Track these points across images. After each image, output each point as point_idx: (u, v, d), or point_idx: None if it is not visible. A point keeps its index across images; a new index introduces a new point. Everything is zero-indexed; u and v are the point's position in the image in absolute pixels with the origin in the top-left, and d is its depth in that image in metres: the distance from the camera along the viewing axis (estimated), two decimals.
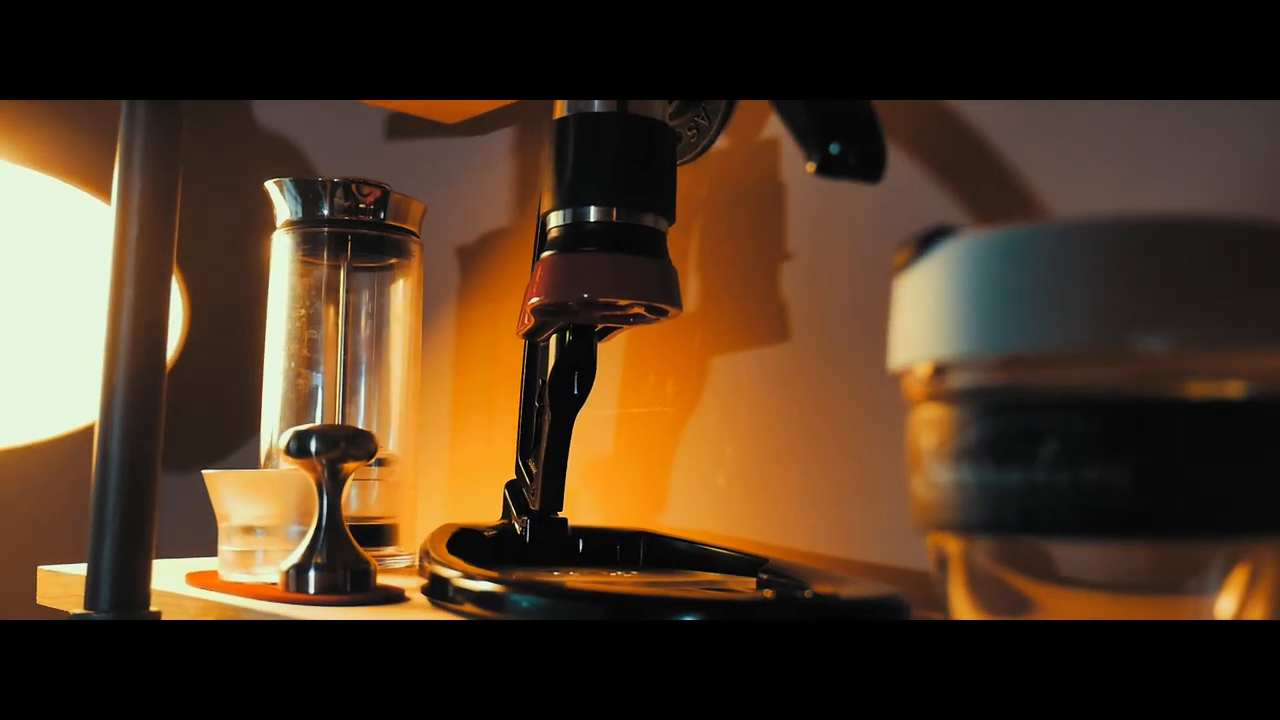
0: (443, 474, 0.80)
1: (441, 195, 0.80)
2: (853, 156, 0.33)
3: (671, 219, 0.52)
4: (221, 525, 0.53)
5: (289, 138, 0.98)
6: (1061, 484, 0.23)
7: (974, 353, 0.24)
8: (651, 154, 0.51)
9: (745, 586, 0.49)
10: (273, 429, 0.64)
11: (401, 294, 0.66)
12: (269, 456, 0.64)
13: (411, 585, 0.52)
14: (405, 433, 0.65)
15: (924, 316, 0.25)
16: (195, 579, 0.54)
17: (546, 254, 0.51)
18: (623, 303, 0.51)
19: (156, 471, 0.48)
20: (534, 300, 0.51)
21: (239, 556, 0.53)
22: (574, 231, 0.51)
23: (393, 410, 0.65)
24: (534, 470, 0.59)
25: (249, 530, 0.53)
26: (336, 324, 0.64)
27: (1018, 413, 0.24)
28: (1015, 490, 0.24)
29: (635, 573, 0.53)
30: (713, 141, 0.61)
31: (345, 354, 0.63)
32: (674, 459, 0.66)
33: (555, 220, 0.51)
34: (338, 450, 0.48)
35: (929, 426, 0.26)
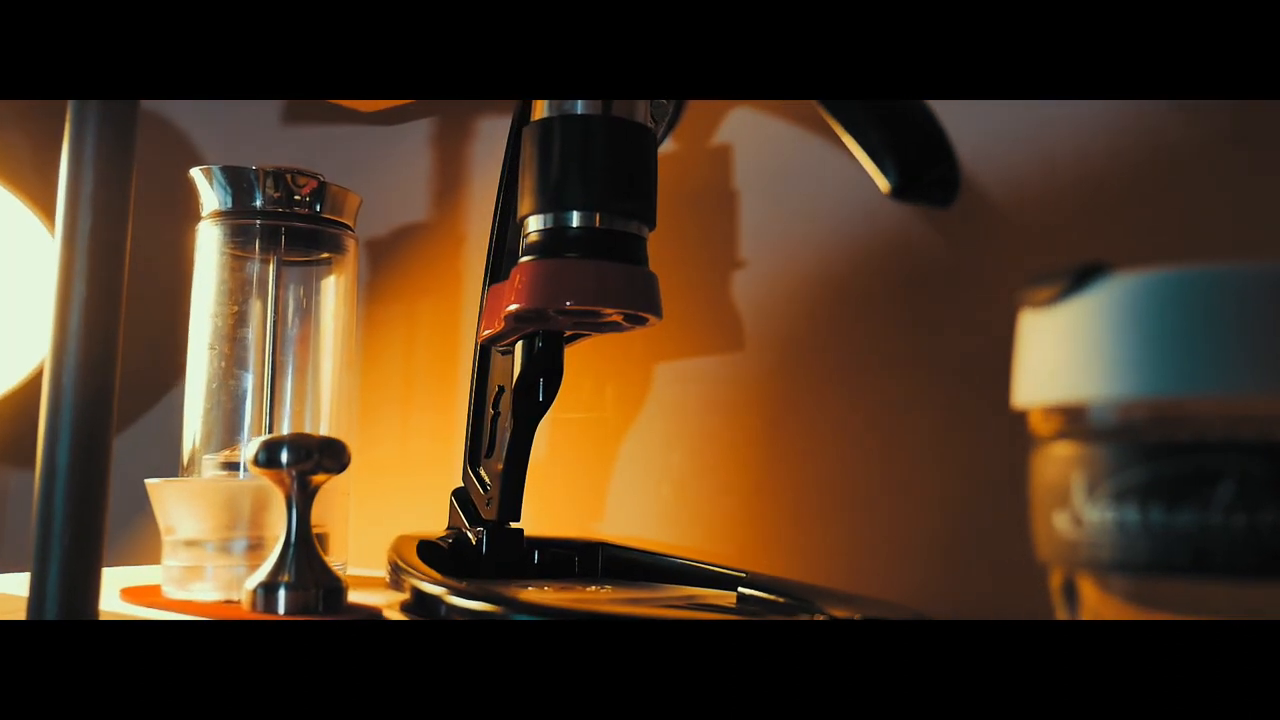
0: (354, 477, 0.77)
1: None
2: (930, 180, 0.33)
3: (653, 225, 0.51)
4: (166, 539, 0.50)
5: (171, 120, 0.92)
6: (1238, 526, 0.23)
7: (1147, 394, 0.24)
8: (635, 159, 0.50)
9: (725, 601, 0.48)
10: (195, 432, 0.60)
11: (335, 291, 0.63)
12: (191, 460, 0.60)
13: (378, 601, 0.49)
14: (338, 437, 0.62)
15: (1080, 354, 0.25)
16: (133, 595, 0.50)
17: (526, 259, 0.49)
18: (604, 311, 0.50)
19: (107, 481, 0.44)
20: (513, 307, 0.49)
21: (186, 572, 0.49)
22: (555, 236, 0.49)
23: (324, 413, 0.62)
24: (486, 479, 0.57)
25: (196, 544, 0.49)
26: (265, 321, 0.60)
27: (1191, 454, 0.24)
28: (1186, 532, 0.24)
29: (609, 587, 0.52)
30: (659, 145, 0.60)
31: (274, 353, 0.60)
32: (615, 467, 0.65)
33: (535, 224, 0.49)
34: (310, 462, 0.46)
35: (1071, 464, 0.26)
